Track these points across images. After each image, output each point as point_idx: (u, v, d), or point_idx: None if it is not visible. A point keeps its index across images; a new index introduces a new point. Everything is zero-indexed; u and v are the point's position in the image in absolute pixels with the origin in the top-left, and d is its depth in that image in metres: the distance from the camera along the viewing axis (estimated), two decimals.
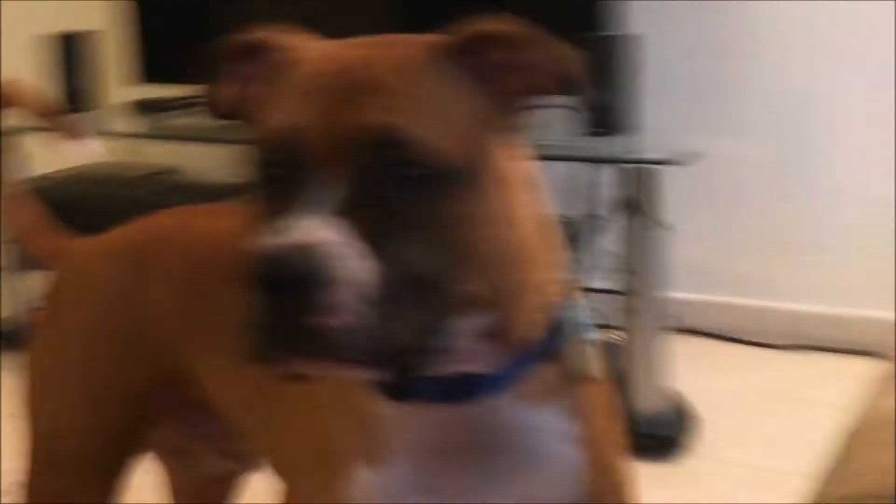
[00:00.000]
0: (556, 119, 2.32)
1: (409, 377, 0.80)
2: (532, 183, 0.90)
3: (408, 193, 0.78)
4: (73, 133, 1.33)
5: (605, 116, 2.34)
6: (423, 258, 0.78)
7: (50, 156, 2.76)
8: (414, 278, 0.77)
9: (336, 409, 0.95)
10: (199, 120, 2.97)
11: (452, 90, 0.83)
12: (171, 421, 1.29)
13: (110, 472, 1.25)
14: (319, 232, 0.74)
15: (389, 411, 0.90)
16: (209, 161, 3.38)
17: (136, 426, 1.25)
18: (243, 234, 1.20)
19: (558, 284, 0.92)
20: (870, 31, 2.73)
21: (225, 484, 1.53)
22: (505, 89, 0.86)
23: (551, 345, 0.91)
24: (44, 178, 3.08)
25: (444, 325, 0.80)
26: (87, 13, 3.41)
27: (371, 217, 0.76)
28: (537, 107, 0.89)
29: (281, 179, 0.79)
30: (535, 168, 0.92)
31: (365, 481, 0.92)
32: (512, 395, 0.89)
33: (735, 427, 2.41)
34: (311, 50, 0.87)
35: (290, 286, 0.72)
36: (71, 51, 3.10)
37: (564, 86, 0.86)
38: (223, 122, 0.92)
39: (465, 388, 0.87)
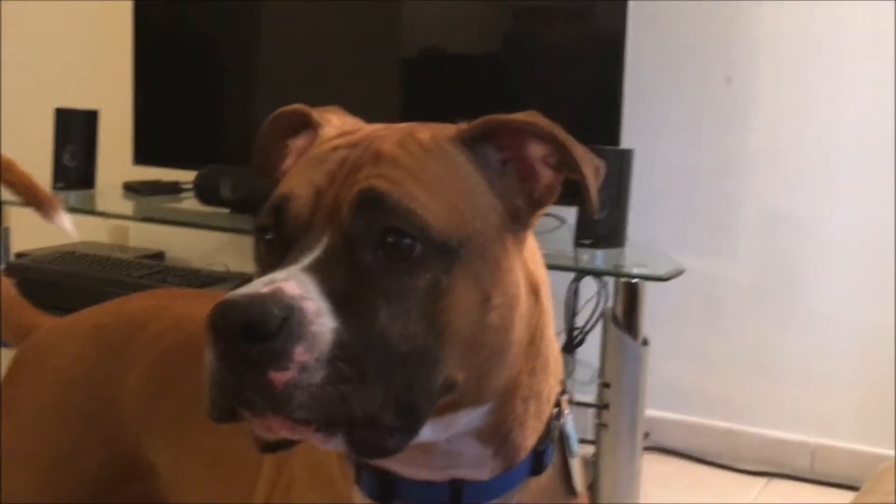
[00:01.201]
0: (541, 226, 2.31)
1: (366, 451, 0.75)
2: (535, 287, 0.87)
3: (387, 259, 0.76)
4: (47, 209, 1.31)
5: (593, 228, 2.34)
6: (396, 328, 0.74)
7: (32, 231, 2.76)
8: (384, 348, 0.73)
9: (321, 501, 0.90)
10: (187, 205, 2.95)
11: (459, 172, 0.82)
12: None
13: None
14: (282, 285, 0.72)
15: None
16: (196, 246, 3.38)
17: None
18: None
19: (552, 394, 0.90)
20: (863, 155, 2.74)
21: None
22: (530, 182, 0.85)
23: (542, 455, 0.88)
24: (24, 254, 3.07)
25: (417, 407, 0.76)
26: (87, 92, 3.43)
27: (344, 278, 0.74)
28: (544, 207, 0.87)
29: (272, 244, 0.80)
30: (543, 275, 0.89)
31: None
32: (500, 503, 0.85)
33: None
34: (334, 126, 0.88)
35: (241, 332, 0.69)
36: (68, 127, 3.09)
37: (579, 190, 0.85)
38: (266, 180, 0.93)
39: (454, 495, 0.84)
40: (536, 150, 0.86)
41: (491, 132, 0.85)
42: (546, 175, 0.86)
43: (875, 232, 2.74)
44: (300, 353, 0.70)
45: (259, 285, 0.72)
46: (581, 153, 0.84)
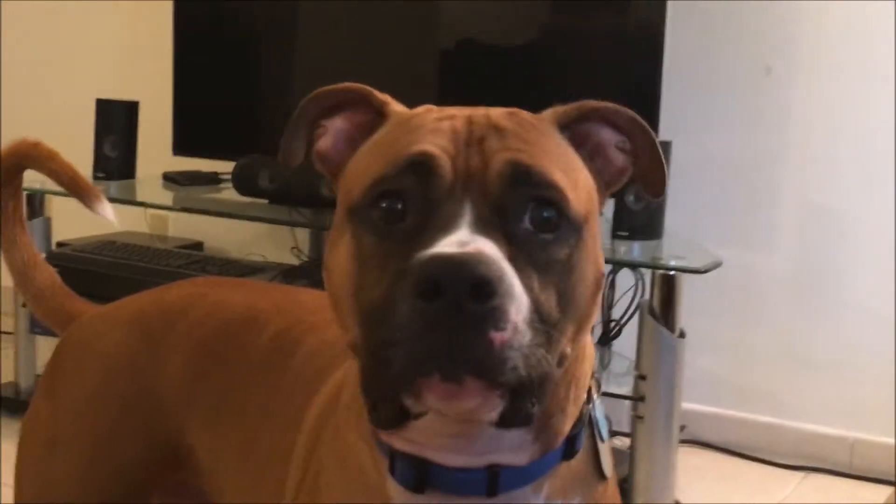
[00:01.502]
0: None
1: (515, 419, 0.75)
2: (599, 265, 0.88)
3: (536, 230, 0.77)
4: (88, 198, 1.32)
5: (630, 220, 2.34)
6: (544, 298, 0.75)
7: (75, 221, 2.78)
8: (540, 316, 0.74)
9: (351, 490, 0.89)
10: (226, 195, 2.98)
11: (568, 151, 0.85)
12: (164, 494, 1.24)
13: None
14: (482, 246, 0.72)
15: (402, 499, 0.85)
16: (234, 236, 3.40)
17: (128, 498, 1.20)
18: (260, 309, 1.19)
19: (587, 379, 0.90)
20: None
21: None
22: (603, 167, 0.88)
23: (575, 440, 0.88)
24: (66, 244, 3.09)
25: (550, 377, 0.76)
26: (128, 83, 3.45)
27: (500, 246, 0.74)
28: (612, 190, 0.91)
29: (403, 207, 0.77)
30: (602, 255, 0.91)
31: None
32: (534, 489, 0.85)
33: None
34: (418, 108, 0.86)
35: (471, 290, 0.69)
36: (109, 117, 3.11)
37: (649, 178, 0.90)
38: (291, 169, 0.91)
39: (490, 481, 0.83)
40: (611, 136, 0.89)
41: (582, 117, 0.88)
42: (619, 159, 0.90)
43: None
44: (514, 313, 0.70)
45: (454, 245, 0.71)
46: (657, 142, 0.89)
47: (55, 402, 1.22)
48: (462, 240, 0.71)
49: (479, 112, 0.83)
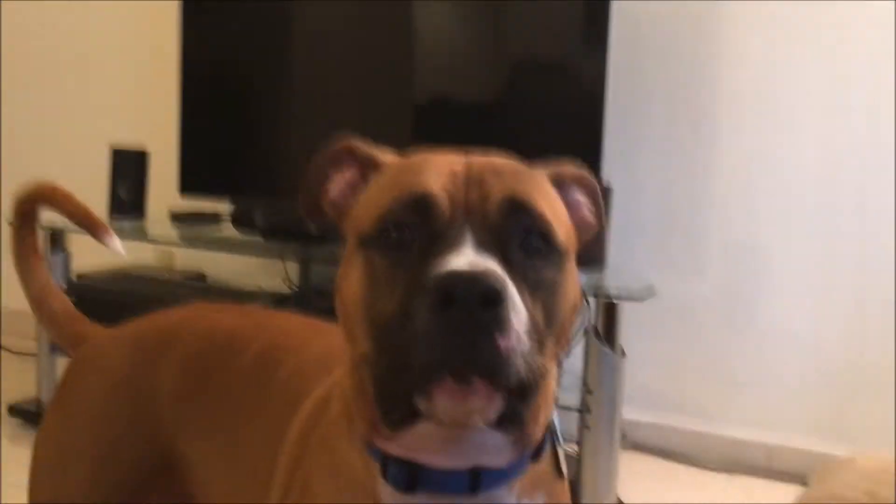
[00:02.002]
0: None
1: (510, 422, 0.76)
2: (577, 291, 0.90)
3: (528, 254, 0.79)
4: (99, 233, 1.31)
5: (577, 253, 2.34)
6: (534, 312, 0.77)
7: (93, 255, 2.75)
8: (532, 326, 0.75)
9: (343, 494, 0.88)
10: (226, 232, 2.97)
11: (556, 197, 0.88)
12: (160, 500, 1.22)
13: None
14: (489, 264, 0.73)
15: (392, 499, 0.84)
16: (233, 268, 3.39)
17: (134, 497, 1.19)
18: (244, 331, 1.18)
19: (553, 391, 0.90)
20: (813, 193, 2.76)
21: None
22: (577, 220, 0.91)
23: (542, 444, 0.88)
24: (86, 275, 3.08)
25: (536, 387, 0.76)
26: (138, 132, 3.45)
27: (501, 267, 0.75)
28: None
29: (409, 237, 0.78)
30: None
31: None
32: (508, 488, 0.85)
33: None
34: (415, 154, 0.87)
35: (480, 300, 0.70)
36: (122, 164, 3.11)
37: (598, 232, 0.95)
38: (313, 222, 0.90)
39: (472, 482, 0.83)
40: (584, 198, 0.94)
41: (567, 177, 0.92)
42: (588, 218, 0.94)
43: (823, 259, 2.75)
44: (516, 322, 0.72)
45: (465, 263, 0.72)
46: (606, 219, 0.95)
47: (65, 415, 1.21)
48: (470, 259, 0.73)
49: (477, 156, 0.85)
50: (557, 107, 2.69)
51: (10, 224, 1.33)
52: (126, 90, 3.68)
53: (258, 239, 2.82)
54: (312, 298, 2.96)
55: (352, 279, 0.81)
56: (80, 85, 3.78)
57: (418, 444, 0.82)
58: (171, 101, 3.25)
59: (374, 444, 0.84)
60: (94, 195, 3.09)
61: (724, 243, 2.87)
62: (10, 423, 2.94)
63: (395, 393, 0.74)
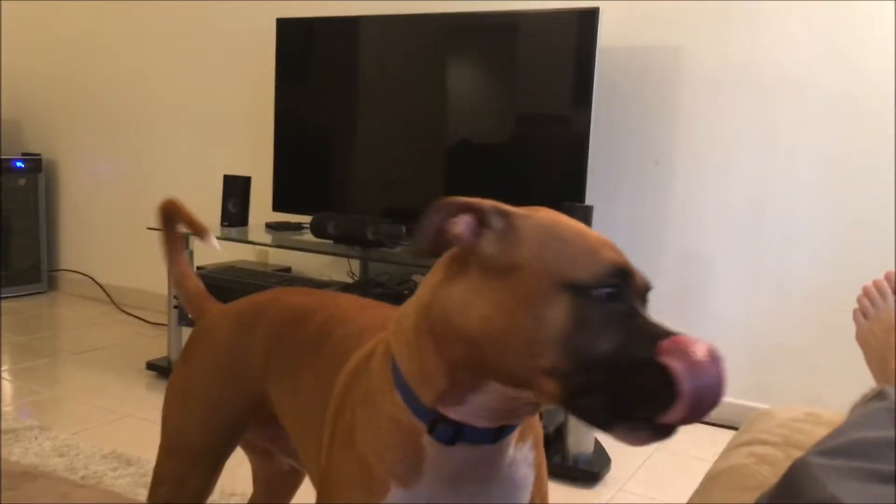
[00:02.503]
0: None
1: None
2: None
3: None
4: (201, 234, 1.34)
5: None
6: None
7: (206, 253, 2.80)
8: None
9: (385, 442, 0.81)
10: (306, 237, 3.01)
11: None
12: (256, 429, 1.25)
13: (211, 462, 1.19)
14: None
15: (434, 449, 0.79)
16: (311, 264, 3.43)
17: (233, 432, 1.20)
18: (312, 306, 1.15)
19: None
20: (746, 214, 2.75)
21: (291, 478, 1.47)
22: None
23: None
24: (202, 267, 3.13)
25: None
26: (244, 164, 3.50)
27: None
28: None
29: (615, 298, 0.74)
30: None
31: (397, 498, 0.81)
32: (512, 435, 0.83)
33: (634, 468, 2.35)
34: (542, 211, 0.80)
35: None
36: (230, 187, 3.16)
37: None
38: (424, 255, 0.80)
39: (497, 433, 0.80)
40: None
41: None
42: None
43: (752, 261, 2.74)
44: None
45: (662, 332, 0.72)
46: None
47: (188, 368, 1.23)
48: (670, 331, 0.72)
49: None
50: (553, 148, 2.71)
51: (158, 229, 1.36)
52: (236, 131, 3.73)
53: (329, 243, 2.86)
54: (369, 286, 3.00)
55: (504, 307, 0.72)
56: (203, 128, 3.83)
57: (475, 412, 0.77)
58: (268, 141, 3.31)
59: (434, 408, 0.78)
60: (212, 210, 3.18)
61: (679, 251, 2.87)
62: (147, 375, 3.00)
63: (589, 406, 0.70)
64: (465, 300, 0.74)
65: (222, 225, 3.14)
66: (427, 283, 0.80)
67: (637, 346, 0.70)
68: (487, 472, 0.82)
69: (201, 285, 1.35)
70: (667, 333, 0.70)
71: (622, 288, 0.73)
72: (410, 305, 0.82)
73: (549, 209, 0.81)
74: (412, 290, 2.87)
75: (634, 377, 0.68)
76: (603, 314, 0.71)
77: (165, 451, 1.22)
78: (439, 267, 0.80)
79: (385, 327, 0.94)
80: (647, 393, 0.67)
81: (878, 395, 0.64)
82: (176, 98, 3.87)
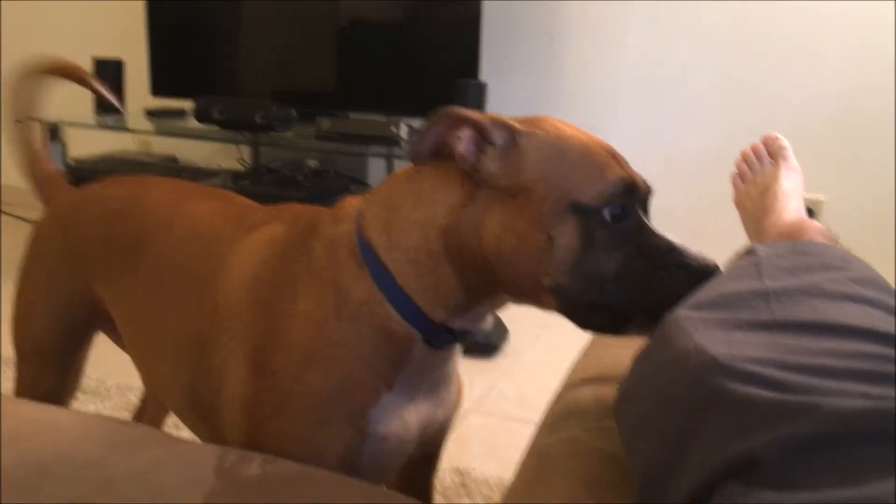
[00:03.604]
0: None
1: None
2: None
3: None
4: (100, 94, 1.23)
5: None
6: None
7: (83, 144, 2.67)
8: None
9: (379, 351, 0.80)
10: (191, 124, 2.89)
11: None
12: (107, 329, 1.18)
13: (63, 361, 1.15)
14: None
15: (421, 354, 0.81)
16: (197, 152, 3.33)
17: (77, 330, 1.14)
18: (142, 199, 1.07)
19: None
20: (637, 91, 2.78)
21: None
22: None
23: None
24: (79, 159, 3.00)
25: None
26: (115, 46, 3.30)
27: None
28: None
29: (622, 214, 0.74)
30: None
31: (386, 402, 0.82)
32: None
33: (531, 337, 2.43)
34: (548, 123, 0.80)
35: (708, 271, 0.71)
36: (101, 71, 2.98)
37: None
38: (422, 162, 0.79)
39: (463, 337, 0.83)
40: None
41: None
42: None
43: (645, 136, 2.81)
44: None
45: (696, 253, 0.73)
46: None
47: (26, 275, 1.16)
48: (700, 252, 0.73)
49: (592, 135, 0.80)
50: (447, 25, 2.66)
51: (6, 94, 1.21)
52: (102, 8, 3.47)
53: (216, 129, 2.78)
54: (261, 173, 2.95)
55: (514, 228, 0.73)
56: (66, 7, 3.55)
57: (474, 320, 0.81)
58: (140, 19, 3.11)
59: (438, 320, 0.79)
60: (81, 98, 2.98)
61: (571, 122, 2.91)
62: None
63: (597, 319, 0.74)
64: (478, 222, 0.75)
65: (96, 113, 2.97)
66: (437, 202, 0.78)
67: (642, 263, 0.72)
68: (442, 370, 0.86)
69: (55, 170, 1.24)
70: (671, 247, 0.73)
71: (628, 206, 0.74)
72: (385, 210, 0.79)
73: (553, 119, 0.80)
74: (310, 174, 2.85)
75: (639, 292, 0.72)
76: (609, 235, 0.72)
77: (18, 355, 1.18)
78: (447, 186, 0.78)
79: (217, 224, 0.91)
80: (652, 302, 0.71)
81: (748, 252, 0.70)
82: None
